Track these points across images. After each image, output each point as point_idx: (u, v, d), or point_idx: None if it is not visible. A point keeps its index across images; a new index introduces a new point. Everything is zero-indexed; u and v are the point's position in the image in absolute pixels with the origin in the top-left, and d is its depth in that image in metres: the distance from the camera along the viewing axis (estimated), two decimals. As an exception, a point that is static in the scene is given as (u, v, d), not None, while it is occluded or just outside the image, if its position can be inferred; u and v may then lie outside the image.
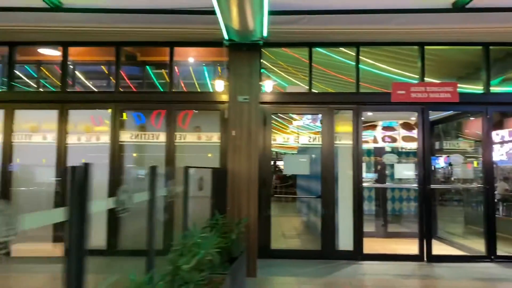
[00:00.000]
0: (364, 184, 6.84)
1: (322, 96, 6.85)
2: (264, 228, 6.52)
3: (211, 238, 3.20)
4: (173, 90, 6.70)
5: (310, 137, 8.30)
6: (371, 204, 9.29)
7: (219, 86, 6.44)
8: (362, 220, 6.55)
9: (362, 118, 6.68)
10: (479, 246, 6.72)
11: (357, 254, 6.48)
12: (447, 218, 11.49)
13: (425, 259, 6.42)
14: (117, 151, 6.64)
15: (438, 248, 7.50)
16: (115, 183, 6.38)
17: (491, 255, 6.37)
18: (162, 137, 6.70)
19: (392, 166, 8.91)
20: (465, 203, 11.24)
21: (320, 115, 6.87)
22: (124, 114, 6.86)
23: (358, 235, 6.50)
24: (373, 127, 9.80)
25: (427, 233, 6.44)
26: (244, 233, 5.39)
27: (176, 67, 6.81)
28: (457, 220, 11.24)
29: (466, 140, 11.15)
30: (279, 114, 8.58)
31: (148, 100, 6.77)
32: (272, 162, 10.06)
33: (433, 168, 9.11)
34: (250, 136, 5.59)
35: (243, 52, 5.63)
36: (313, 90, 6.67)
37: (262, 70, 6.48)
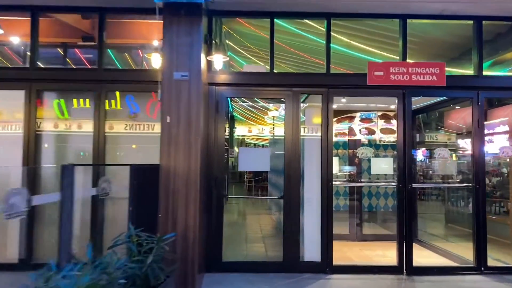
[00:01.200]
0: (335, 183, 5.79)
1: (285, 77, 5.72)
2: (214, 237, 5.39)
3: (82, 277, 2.04)
4: (104, 67, 5.44)
5: (312, 130, 7.78)
6: (345, 201, 8.29)
7: (156, 61, 5.22)
8: (331, 225, 5.50)
9: (334, 106, 5.60)
10: (465, 252, 5.76)
11: (325, 266, 5.44)
12: (427, 216, 10.63)
13: (404, 271, 5.43)
14: (32, 143, 5.36)
15: (419, 255, 6.55)
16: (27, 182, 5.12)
17: (480, 266, 5.43)
18: (88, 126, 5.45)
19: (369, 160, 7.94)
20: (447, 199, 10.38)
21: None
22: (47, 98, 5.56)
23: (327, 244, 5.45)
24: (351, 118, 8.86)
25: (407, 241, 5.44)
26: (180, 248, 4.23)
27: (106, 40, 5.53)
28: (438, 218, 10.39)
29: (447, 132, 10.30)
30: (254, 104, 7.49)
31: (73, 79, 5.48)
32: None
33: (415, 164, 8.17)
34: (190, 124, 4.41)
35: (182, 17, 4.42)
36: (276, 71, 5.54)
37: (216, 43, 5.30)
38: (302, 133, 5.67)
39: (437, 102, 7.31)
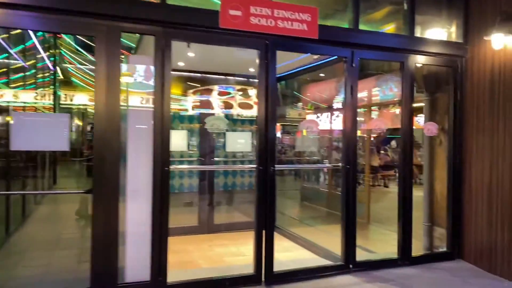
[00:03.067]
0: (175, 167, 4.12)
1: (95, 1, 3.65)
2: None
3: None
4: None
5: (142, 98, 6.15)
6: (194, 181, 6.76)
7: None
8: (166, 228, 3.84)
9: (172, 57, 3.83)
10: (329, 242, 4.80)
11: (156, 287, 3.77)
12: (280, 193, 9.90)
13: (263, 279, 4.15)
14: None
15: (279, 247, 5.41)
16: None
17: (349, 263, 4.51)
18: None
19: (224, 136, 6.54)
20: (302, 175, 9.80)
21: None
22: None
23: (160, 254, 3.78)
24: (209, 91, 7.39)
25: (268, 238, 4.15)
26: None
27: None
28: (292, 195, 9.76)
29: (312, 106, 9.63)
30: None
31: None
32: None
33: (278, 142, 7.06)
34: None
35: None
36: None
37: None
38: (126, 102, 3.80)
39: (296, 71, 6.24)
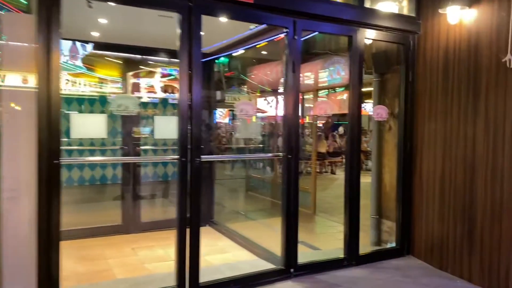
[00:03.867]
0: (66, 161, 3.25)
1: None
2: None
3: None
4: None
5: (68, 80, 5.77)
6: (116, 171, 5.90)
7: None
8: (58, 232, 2.99)
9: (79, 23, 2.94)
10: (272, 240, 4.17)
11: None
12: (223, 182, 9.22)
13: (188, 291, 3.45)
14: None
15: (213, 247, 4.78)
16: None
17: (290, 267, 3.91)
18: None
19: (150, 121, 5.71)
20: (247, 163, 9.15)
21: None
22: None
23: (49, 266, 2.94)
24: (152, 73, 6.58)
25: (193, 242, 3.44)
26: None
27: None
28: (237, 185, 9.12)
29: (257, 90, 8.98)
30: None
31: None
32: None
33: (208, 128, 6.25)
34: None
35: None
36: None
37: None
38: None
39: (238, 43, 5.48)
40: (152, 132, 5.39)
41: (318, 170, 12.59)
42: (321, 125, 14.46)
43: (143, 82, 6.42)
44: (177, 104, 3.43)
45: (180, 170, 3.36)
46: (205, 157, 3.53)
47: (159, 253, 4.71)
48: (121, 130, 5.58)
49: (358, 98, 4.24)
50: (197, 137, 3.39)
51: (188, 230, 3.42)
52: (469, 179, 3.90)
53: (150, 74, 6.58)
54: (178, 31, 3.33)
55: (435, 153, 4.27)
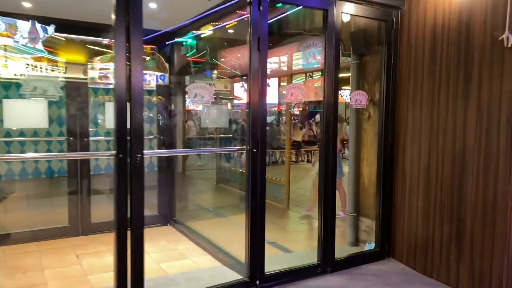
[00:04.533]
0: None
1: None
2: None
3: None
4: None
5: (28, 64, 4.54)
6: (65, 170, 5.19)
7: None
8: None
9: None
10: (239, 242, 3.62)
11: None
12: (194, 174, 8.62)
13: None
14: None
15: (173, 255, 4.20)
16: None
17: (255, 278, 3.38)
18: None
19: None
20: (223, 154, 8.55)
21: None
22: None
23: None
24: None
25: (136, 254, 2.85)
26: None
27: None
28: (208, 176, 8.54)
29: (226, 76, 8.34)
30: None
31: None
32: None
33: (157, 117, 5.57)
34: None
35: None
36: None
37: None
38: None
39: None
40: (97, 122, 4.72)
41: (294, 160, 12.14)
42: (298, 112, 13.95)
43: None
44: (113, 89, 2.79)
45: (117, 169, 2.73)
46: (148, 152, 2.91)
47: (107, 261, 4.08)
48: (66, 118, 4.86)
49: (334, 83, 3.70)
50: (138, 128, 2.76)
51: (129, 238, 2.82)
52: (458, 174, 3.44)
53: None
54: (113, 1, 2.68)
55: (419, 144, 3.79)
